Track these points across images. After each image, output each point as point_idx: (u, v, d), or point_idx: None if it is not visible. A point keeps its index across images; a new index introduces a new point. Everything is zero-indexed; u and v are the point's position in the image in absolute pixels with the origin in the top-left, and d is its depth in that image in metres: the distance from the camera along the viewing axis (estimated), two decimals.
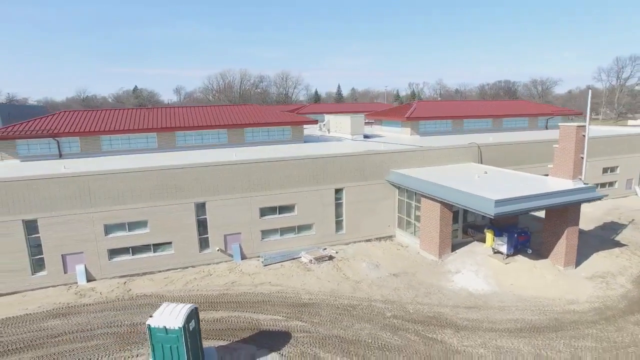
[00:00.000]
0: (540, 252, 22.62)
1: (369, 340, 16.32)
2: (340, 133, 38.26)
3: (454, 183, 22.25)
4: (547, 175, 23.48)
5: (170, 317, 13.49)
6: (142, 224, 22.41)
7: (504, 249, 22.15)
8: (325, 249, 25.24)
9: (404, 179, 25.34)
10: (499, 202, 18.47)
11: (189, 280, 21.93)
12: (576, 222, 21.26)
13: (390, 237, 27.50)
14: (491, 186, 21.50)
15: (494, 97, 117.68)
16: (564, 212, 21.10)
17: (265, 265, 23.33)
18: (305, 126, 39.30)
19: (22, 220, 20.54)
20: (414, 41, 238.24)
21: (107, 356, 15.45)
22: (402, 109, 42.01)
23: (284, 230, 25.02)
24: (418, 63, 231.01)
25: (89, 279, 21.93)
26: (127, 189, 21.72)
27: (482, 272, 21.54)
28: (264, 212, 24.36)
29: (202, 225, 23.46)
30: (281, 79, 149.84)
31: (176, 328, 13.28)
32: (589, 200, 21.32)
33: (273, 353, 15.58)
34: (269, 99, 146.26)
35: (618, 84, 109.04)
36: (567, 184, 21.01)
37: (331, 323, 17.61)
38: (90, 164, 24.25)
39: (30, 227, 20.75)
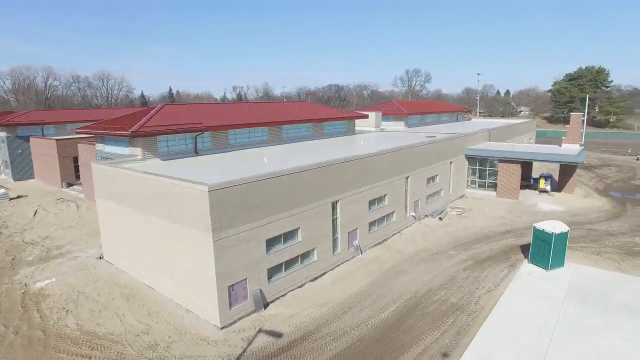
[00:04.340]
0: (558, 189, 39.04)
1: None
2: (362, 127, 46.52)
3: (527, 150, 36.39)
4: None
5: (557, 227, 22.23)
6: (383, 198, 27.24)
7: (549, 188, 37.59)
8: (448, 205, 35.06)
9: (485, 152, 37.66)
10: (576, 155, 33.46)
11: (420, 236, 28.36)
12: (575, 169, 38.48)
13: (463, 195, 39.31)
14: (549, 149, 36.57)
15: (329, 100, 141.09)
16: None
17: (441, 219, 31.62)
18: None
19: (331, 202, 22.81)
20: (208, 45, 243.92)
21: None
22: (387, 106, 53.39)
23: (432, 195, 33.53)
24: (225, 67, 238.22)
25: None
26: (381, 167, 26.34)
27: (547, 202, 36.24)
28: (428, 181, 32.36)
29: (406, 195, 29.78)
30: (100, 80, 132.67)
31: (565, 231, 22.25)
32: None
33: None
34: (86, 101, 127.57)
35: (409, 89, 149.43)
36: (577, 148, 38.05)
37: None
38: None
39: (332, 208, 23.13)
